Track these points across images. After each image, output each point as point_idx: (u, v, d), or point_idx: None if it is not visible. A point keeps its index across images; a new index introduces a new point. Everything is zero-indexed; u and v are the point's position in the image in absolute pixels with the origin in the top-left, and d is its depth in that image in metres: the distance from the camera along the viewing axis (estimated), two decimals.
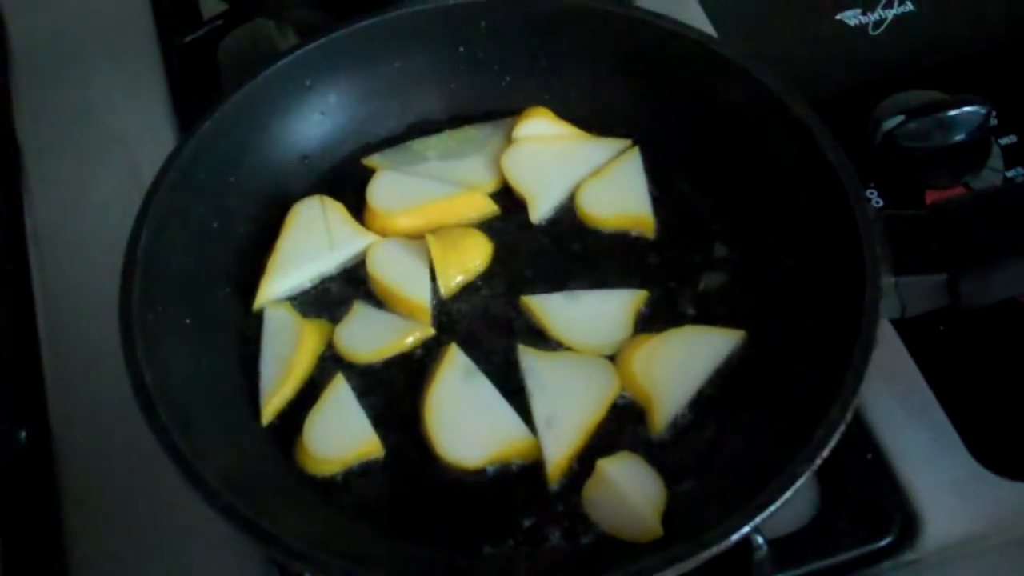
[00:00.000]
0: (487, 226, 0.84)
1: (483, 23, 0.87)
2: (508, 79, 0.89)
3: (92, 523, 0.78)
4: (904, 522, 0.76)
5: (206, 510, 0.65)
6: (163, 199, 0.76)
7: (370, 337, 0.78)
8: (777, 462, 0.65)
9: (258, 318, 0.79)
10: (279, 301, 0.80)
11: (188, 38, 1.03)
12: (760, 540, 0.70)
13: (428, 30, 0.87)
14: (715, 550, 0.61)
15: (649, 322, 0.79)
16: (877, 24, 1.02)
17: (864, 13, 1.03)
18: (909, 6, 1.03)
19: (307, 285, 0.82)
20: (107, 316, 0.72)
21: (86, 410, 0.83)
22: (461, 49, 0.88)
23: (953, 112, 0.90)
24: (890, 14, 1.03)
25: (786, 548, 0.74)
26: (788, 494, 0.62)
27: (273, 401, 0.75)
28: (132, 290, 0.72)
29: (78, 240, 0.92)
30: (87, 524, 0.78)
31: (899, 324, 0.82)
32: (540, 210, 0.84)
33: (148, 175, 0.77)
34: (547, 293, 0.80)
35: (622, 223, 0.83)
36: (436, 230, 0.83)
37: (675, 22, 0.84)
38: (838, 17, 1.03)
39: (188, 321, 0.76)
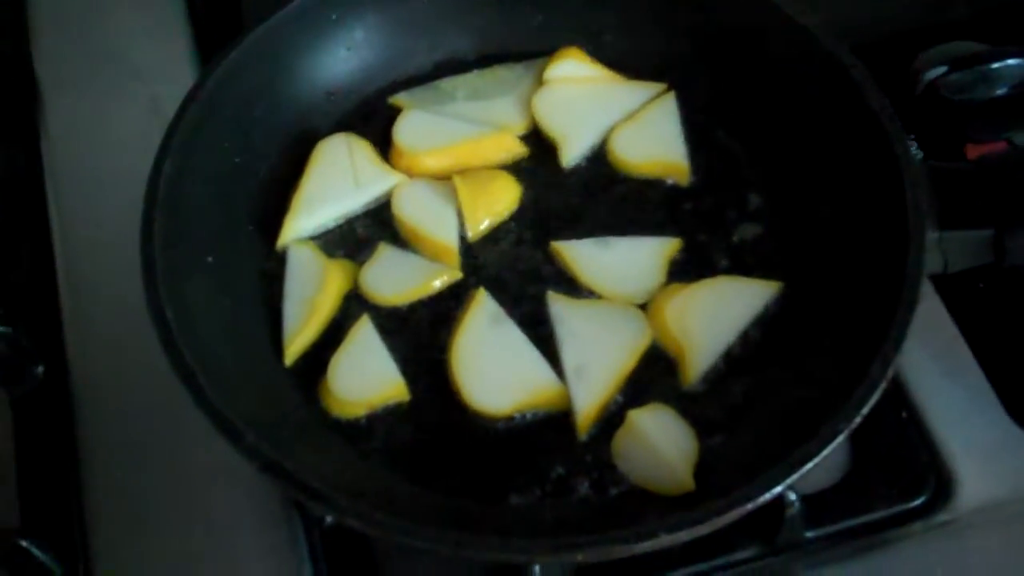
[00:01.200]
0: (516, 169, 0.82)
1: None
2: (540, 18, 0.87)
3: (108, 460, 0.77)
4: (938, 482, 0.74)
5: (226, 450, 0.64)
6: (186, 131, 0.75)
7: (396, 279, 0.77)
8: (811, 419, 0.63)
9: (281, 257, 0.78)
10: (303, 240, 0.79)
11: None
12: (793, 496, 0.69)
13: None
14: (752, 505, 0.59)
15: (682, 271, 0.77)
16: None
17: None
18: None
19: (331, 224, 0.80)
20: (124, 252, 0.71)
21: (103, 347, 0.81)
22: None
23: (997, 65, 0.88)
24: None
25: (817, 505, 0.73)
26: (828, 451, 0.61)
27: (297, 342, 0.74)
28: (154, 225, 0.71)
29: (96, 175, 0.90)
30: (103, 461, 0.77)
31: (937, 280, 0.80)
32: (571, 154, 0.82)
33: (168, 111, 0.76)
34: (578, 239, 0.78)
35: (655, 169, 0.81)
36: (463, 171, 0.81)
37: None
38: None
39: (210, 259, 0.75)
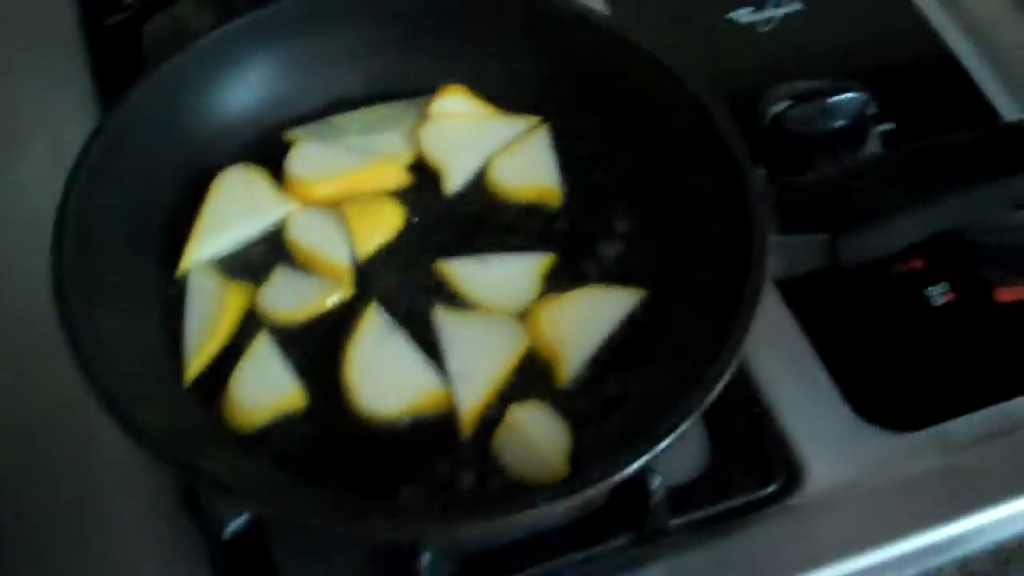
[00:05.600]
0: (403, 197, 0.88)
1: (399, 5, 0.91)
2: (424, 59, 0.92)
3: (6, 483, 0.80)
4: (788, 471, 0.81)
5: (129, 465, 0.72)
6: (90, 169, 0.79)
7: (292, 298, 0.81)
8: (672, 406, 0.70)
9: (183, 283, 0.82)
10: (203, 265, 0.83)
11: (110, 21, 1.04)
12: (657, 482, 0.74)
13: (345, 11, 0.91)
14: (617, 478, 0.66)
15: (555, 284, 0.83)
16: (767, 21, 1.09)
17: (755, 11, 1.09)
18: (798, 5, 1.10)
19: (230, 250, 0.84)
20: (26, 292, 0.76)
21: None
22: (378, 30, 0.92)
23: (835, 99, 0.96)
24: (780, 12, 1.09)
25: (681, 496, 0.78)
26: (681, 429, 0.67)
27: (197, 360, 0.78)
28: (63, 252, 0.74)
29: None
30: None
31: (784, 289, 0.88)
32: (453, 182, 0.88)
33: (71, 158, 0.79)
34: (460, 257, 0.84)
35: (530, 194, 0.88)
36: (353, 199, 0.86)
37: (581, 6, 0.89)
38: (729, 16, 1.09)
39: (116, 287, 0.78)
